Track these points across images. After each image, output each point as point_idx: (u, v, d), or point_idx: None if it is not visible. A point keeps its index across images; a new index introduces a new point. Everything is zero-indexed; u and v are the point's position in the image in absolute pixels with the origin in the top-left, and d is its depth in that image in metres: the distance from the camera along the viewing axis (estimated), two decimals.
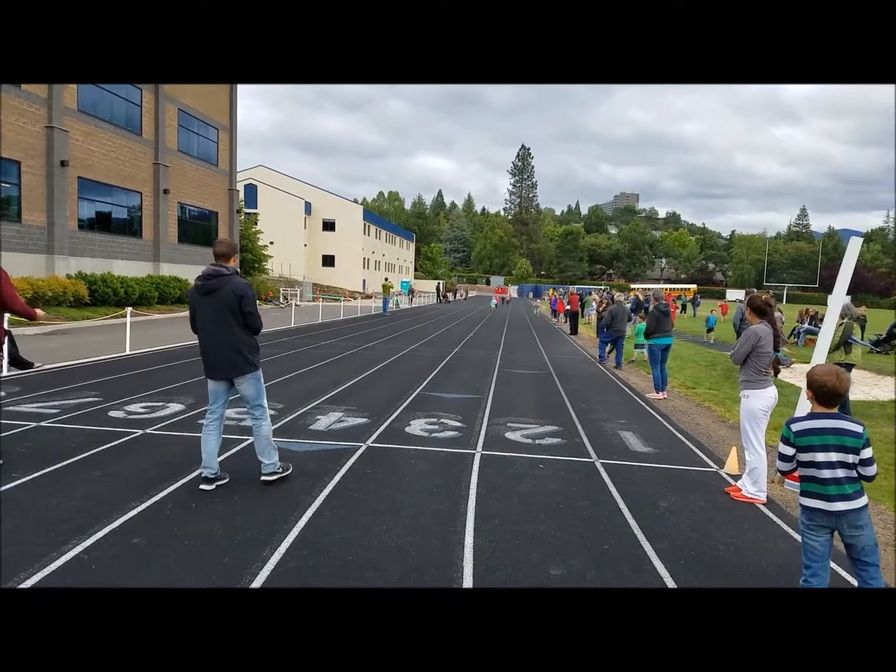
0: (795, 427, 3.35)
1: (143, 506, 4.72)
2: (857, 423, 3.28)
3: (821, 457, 3.26)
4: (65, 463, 5.62)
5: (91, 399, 8.36)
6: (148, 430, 6.88)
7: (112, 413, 7.63)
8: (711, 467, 6.59)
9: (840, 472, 3.23)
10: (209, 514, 4.61)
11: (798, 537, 4.74)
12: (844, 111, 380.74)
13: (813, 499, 3.30)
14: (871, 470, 3.23)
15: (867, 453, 3.22)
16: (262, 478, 5.29)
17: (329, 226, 69.33)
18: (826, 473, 3.24)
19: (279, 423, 7.37)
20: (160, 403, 8.30)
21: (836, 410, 3.36)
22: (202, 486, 5.15)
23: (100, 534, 4.19)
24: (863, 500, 3.26)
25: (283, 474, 5.40)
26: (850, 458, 3.23)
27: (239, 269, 5.35)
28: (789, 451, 3.38)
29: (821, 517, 3.29)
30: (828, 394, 3.32)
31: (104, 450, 6.09)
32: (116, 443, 6.34)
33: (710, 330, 24.29)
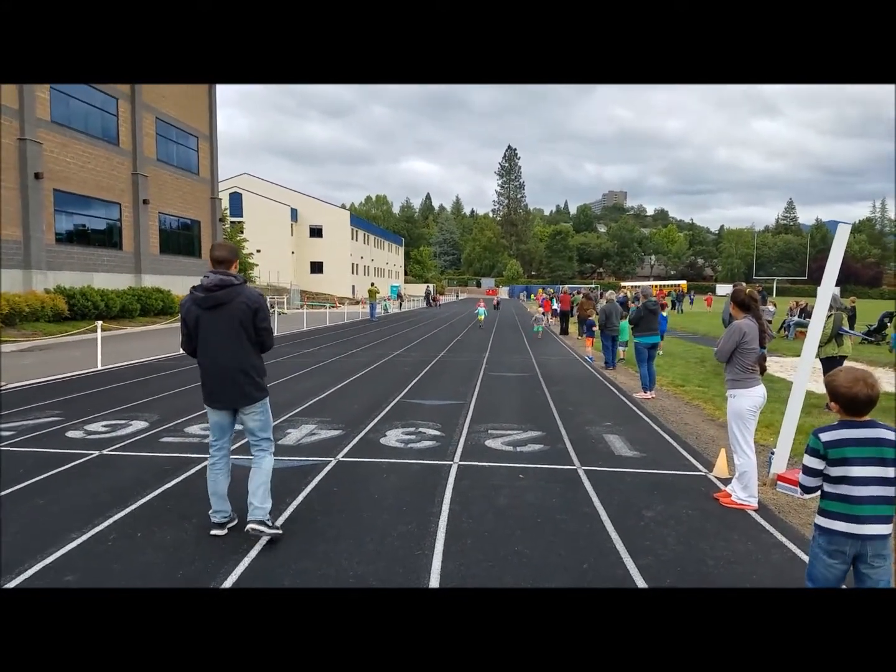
0: (826, 437, 2.86)
1: (84, 537, 4.34)
2: (890, 428, 2.84)
3: (857, 471, 2.80)
4: (7, 491, 5.23)
5: (52, 419, 7.97)
6: (104, 451, 6.50)
7: (70, 433, 7.24)
8: (700, 471, 6.26)
9: (878, 490, 2.80)
10: (154, 545, 4.23)
11: (793, 547, 4.42)
12: (820, 102, 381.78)
13: (838, 521, 2.83)
14: None
15: None
16: (249, 526, 4.26)
17: (316, 232, 68.88)
18: (861, 491, 2.80)
19: (244, 440, 6.99)
20: (123, 421, 7.90)
21: (868, 418, 2.90)
22: (214, 532, 4.42)
23: (29, 572, 3.81)
24: (891, 527, 2.84)
25: (271, 531, 4.31)
26: (891, 472, 2.79)
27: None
28: (818, 464, 2.88)
29: (845, 542, 2.83)
30: (862, 403, 2.85)
31: (54, 474, 5.70)
32: (68, 466, 5.96)
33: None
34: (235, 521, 4.55)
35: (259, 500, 4.31)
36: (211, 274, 4.32)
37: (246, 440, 5.04)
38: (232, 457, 4.70)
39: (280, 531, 4.38)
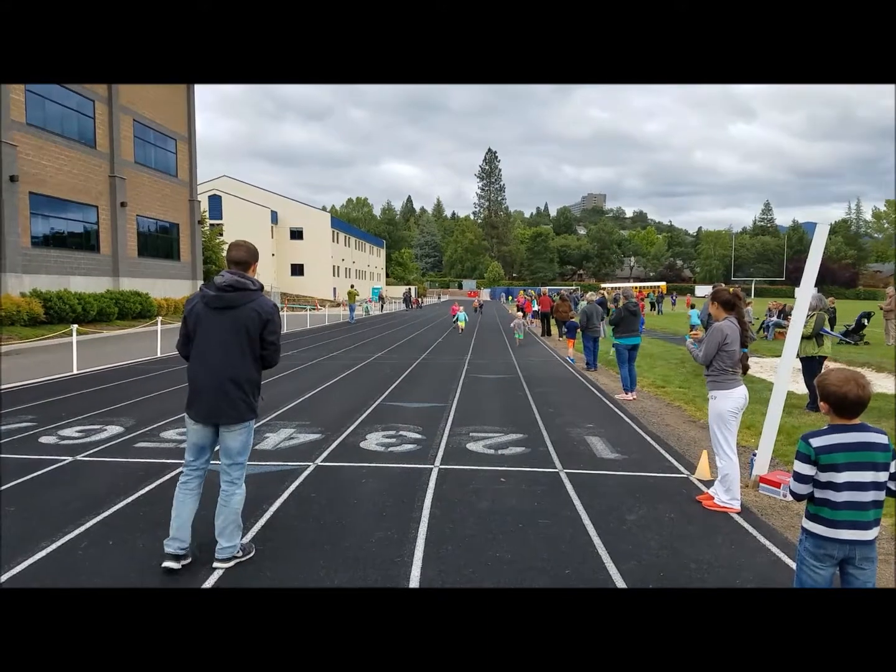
0: (817, 442, 2.80)
1: (54, 545, 4.22)
2: (880, 432, 2.81)
3: (843, 476, 2.75)
4: None
5: (25, 424, 7.79)
6: (78, 457, 6.35)
7: (43, 439, 7.07)
8: (682, 473, 6.24)
9: (870, 495, 2.76)
10: (125, 553, 4.12)
11: (776, 550, 4.40)
12: (795, 105, 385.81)
13: (825, 526, 2.81)
14: None
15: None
16: (216, 564, 3.96)
17: (297, 234, 68.46)
18: (844, 496, 2.76)
19: None
20: (98, 426, 7.74)
21: (858, 421, 2.85)
22: (167, 564, 3.88)
23: None
24: (878, 529, 2.83)
25: (241, 559, 4.05)
26: (882, 476, 2.77)
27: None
28: (809, 470, 2.82)
29: (833, 546, 2.80)
30: (852, 404, 2.79)
31: (25, 482, 5.55)
32: (40, 472, 5.81)
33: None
34: (190, 560, 4.02)
35: (227, 538, 3.99)
36: (226, 273, 4.00)
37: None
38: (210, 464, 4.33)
39: (251, 553, 4.13)
